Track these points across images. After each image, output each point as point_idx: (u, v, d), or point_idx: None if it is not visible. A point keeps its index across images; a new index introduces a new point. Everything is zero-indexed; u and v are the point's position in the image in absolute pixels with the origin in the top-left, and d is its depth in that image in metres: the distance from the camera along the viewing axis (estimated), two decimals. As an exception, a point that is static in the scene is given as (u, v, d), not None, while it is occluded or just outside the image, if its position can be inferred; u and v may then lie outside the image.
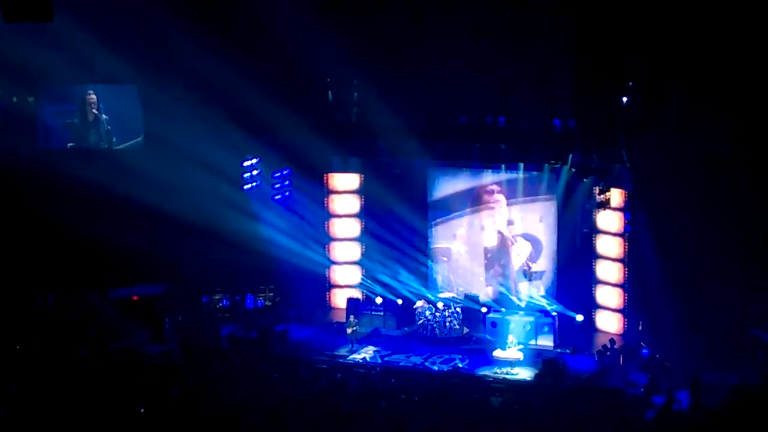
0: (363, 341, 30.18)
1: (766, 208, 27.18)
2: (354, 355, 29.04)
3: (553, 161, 30.49)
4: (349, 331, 29.74)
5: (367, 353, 29.25)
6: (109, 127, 31.03)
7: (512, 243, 31.71)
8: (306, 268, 33.16)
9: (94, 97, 31.04)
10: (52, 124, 31.00)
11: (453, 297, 31.48)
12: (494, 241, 32.04)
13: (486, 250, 32.23)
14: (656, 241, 28.76)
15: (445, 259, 32.44)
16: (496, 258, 32.08)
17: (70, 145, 31.01)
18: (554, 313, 30.37)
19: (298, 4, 28.70)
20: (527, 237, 31.74)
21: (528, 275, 31.53)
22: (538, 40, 28.85)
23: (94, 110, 31.04)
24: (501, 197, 31.85)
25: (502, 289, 31.88)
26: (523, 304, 31.28)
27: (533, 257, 31.65)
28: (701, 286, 27.95)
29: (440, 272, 32.74)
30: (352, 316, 30.53)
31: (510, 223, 31.78)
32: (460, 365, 28.20)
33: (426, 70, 30.11)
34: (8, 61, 28.62)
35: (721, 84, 26.84)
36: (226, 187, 31.06)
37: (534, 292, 31.46)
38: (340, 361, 28.61)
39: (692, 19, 26.52)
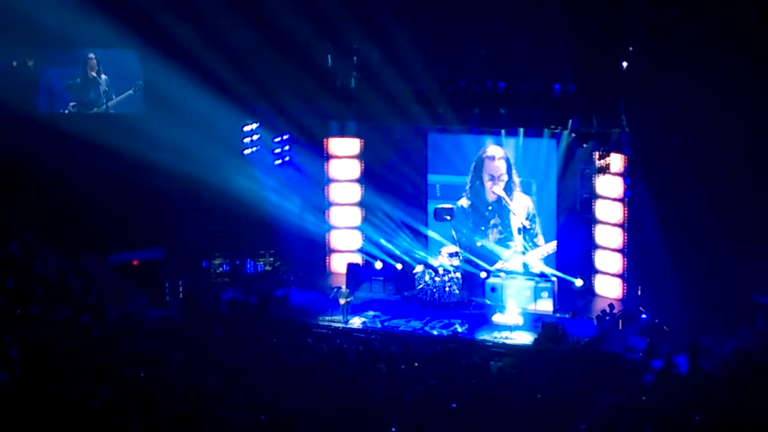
0: (359, 308, 30.04)
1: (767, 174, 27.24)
2: (353, 320, 29.05)
3: (552, 126, 30.44)
4: (342, 301, 29.14)
5: (365, 318, 29.24)
6: (107, 89, 31.02)
7: (511, 206, 31.72)
8: (306, 233, 33.29)
9: (94, 60, 31.01)
10: (56, 86, 30.99)
11: (456, 251, 31.50)
12: (493, 202, 32.11)
13: (485, 210, 32.28)
14: (656, 206, 28.80)
15: (448, 217, 32.27)
16: (494, 217, 32.20)
17: (72, 104, 30.98)
18: (553, 278, 30.44)
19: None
20: (525, 200, 31.83)
21: (526, 234, 31.58)
22: (538, 3, 28.78)
23: (93, 73, 31.02)
24: (501, 161, 31.86)
25: (502, 252, 31.98)
26: (521, 266, 31.40)
27: (532, 219, 31.72)
28: (701, 250, 28.02)
29: (442, 233, 32.74)
30: (343, 286, 30.32)
31: (509, 186, 31.80)
32: (459, 330, 28.28)
33: (425, 35, 30.02)
34: (7, 25, 28.50)
35: (721, 48, 26.82)
36: (226, 152, 31.04)
37: (533, 255, 31.56)
38: (339, 327, 28.66)
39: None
